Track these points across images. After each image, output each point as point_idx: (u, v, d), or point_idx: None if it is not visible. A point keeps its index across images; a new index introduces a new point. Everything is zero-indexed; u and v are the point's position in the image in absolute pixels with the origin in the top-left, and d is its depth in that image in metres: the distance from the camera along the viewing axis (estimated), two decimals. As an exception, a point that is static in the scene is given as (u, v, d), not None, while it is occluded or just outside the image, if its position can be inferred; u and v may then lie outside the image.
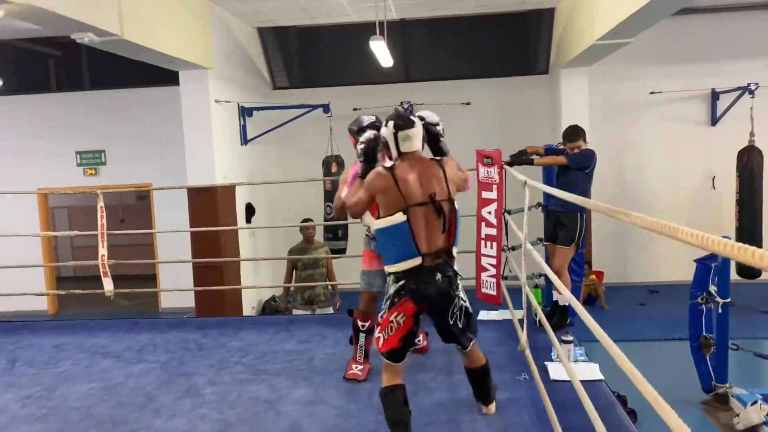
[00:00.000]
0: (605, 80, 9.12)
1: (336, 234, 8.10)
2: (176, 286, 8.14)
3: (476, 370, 3.11)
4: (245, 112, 8.35)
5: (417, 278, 2.81)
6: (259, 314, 8.50)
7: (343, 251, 8.02)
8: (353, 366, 3.75)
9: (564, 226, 4.53)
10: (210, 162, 7.36)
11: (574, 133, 4.61)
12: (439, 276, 2.82)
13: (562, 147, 4.78)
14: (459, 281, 2.94)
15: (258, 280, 8.58)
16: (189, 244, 7.24)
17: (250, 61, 9.08)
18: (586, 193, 4.47)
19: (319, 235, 8.00)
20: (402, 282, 2.83)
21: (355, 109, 9.37)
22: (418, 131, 2.99)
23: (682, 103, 9.38)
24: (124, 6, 5.32)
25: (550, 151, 4.85)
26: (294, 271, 6.12)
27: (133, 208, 12.14)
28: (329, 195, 8.04)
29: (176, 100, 7.40)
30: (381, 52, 7.26)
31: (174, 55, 6.31)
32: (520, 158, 4.58)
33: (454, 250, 2.91)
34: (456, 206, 2.95)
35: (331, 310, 6.13)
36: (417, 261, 2.80)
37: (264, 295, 8.97)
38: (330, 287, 6.22)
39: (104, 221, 5.32)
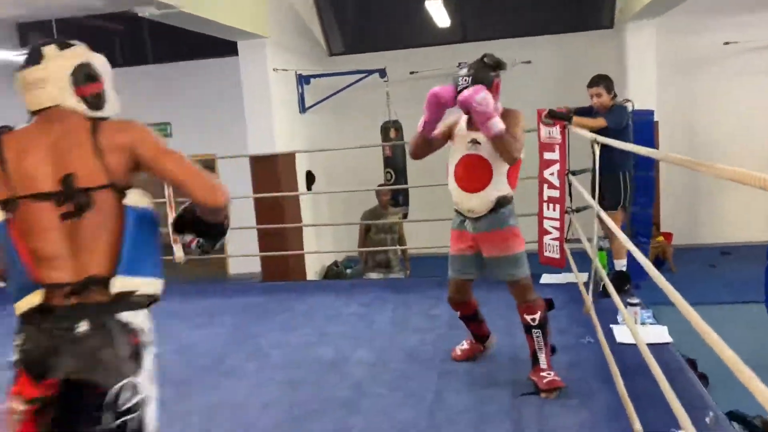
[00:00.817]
0: (674, 33, 8.62)
1: (397, 199, 8.11)
2: (243, 252, 8.39)
3: None
4: (303, 80, 8.39)
5: (33, 332, 1.66)
6: (321, 279, 8.67)
7: (404, 216, 8.04)
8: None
9: (607, 190, 4.32)
10: (270, 131, 7.47)
11: (594, 80, 4.39)
12: (81, 328, 1.63)
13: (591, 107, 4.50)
14: (144, 346, 1.72)
15: (320, 246, 8.72)
16: (253, 212, 7.43)
17: (306, 28, 9.07)
18: (628, 153, 4.25)
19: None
20: (18, 339, 1.67)
21: (411, 73, 9.27)
22: (53, 71, 1.75)
23: (761, 53, 8.78)
24: (182, -22, 5.39)
25: (581, 112, 4.57)
26: (367, 234, 6.22)
27: (199, 178, 12.48)
28: (388, 161, 8.04)
29: (236, 70, 7.50)
30: (437, 11, 7.12)
31: (231, 25, 6.38)
32: (559, 114, 4.40)
33: (127, 281, 1.69)
34: (135, 200, 1.77)
35: (401, 275, 6.20)
36: (35, 299, 1.64)
37: (326, 260, 9.13)
38: (400, 252, 6.29)
39: (171, 190, 5.50)
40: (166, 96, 9.86)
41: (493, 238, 2.98)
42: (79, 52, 1.92)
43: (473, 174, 2.96)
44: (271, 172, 7.38)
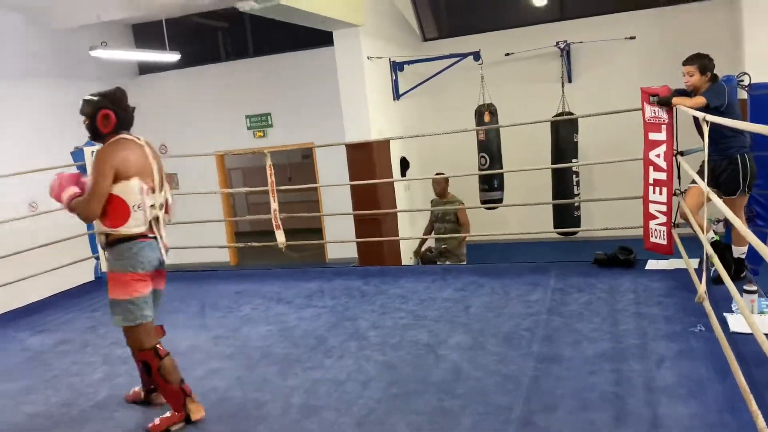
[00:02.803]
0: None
1: (491, 184, 8.01)
2: (340, 238, 8.60)
3: None
4: (396, 66, 8.44)
5: None
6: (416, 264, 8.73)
7: (499, 201, 7.93)
8: None
9: (722, 174, 4.01)
10: (365, 118, 7.59)
11: (689, 58, 4.05)
12: None
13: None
14: None
15: (415, 232, 8.77)
16: (350, 199, 7.59)
17: (399, 14, 9.10)
18: (740, 132, 3.92)
19: (474, 187, 8.00)
20: None
21: (507, 54, 9.08)
22: None
23: None
24: (280, -28, 5.56)
25: (680, 92, 4.24)
26: (434, 224, 6.47)
27: (299, 166, 12.91)
28: (483, 145, 7.94)
29: (332, 60, 7.67)
30: (533, -10, 6.90)
31: (328, 16, 6.51)
32: (665, 99, 4.13)
33: None
34: None
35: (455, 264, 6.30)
36: None
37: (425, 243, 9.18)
38: (458, 241, 6.38)
39: (273, 179, 5.73)
40: (267, 87, 10.24)
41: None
42: None
43: None
44: (366, 159, 7.50)
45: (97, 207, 2.77)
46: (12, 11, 8.16)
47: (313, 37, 7.97)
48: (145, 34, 10.31)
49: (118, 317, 2.85)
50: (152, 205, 2.86)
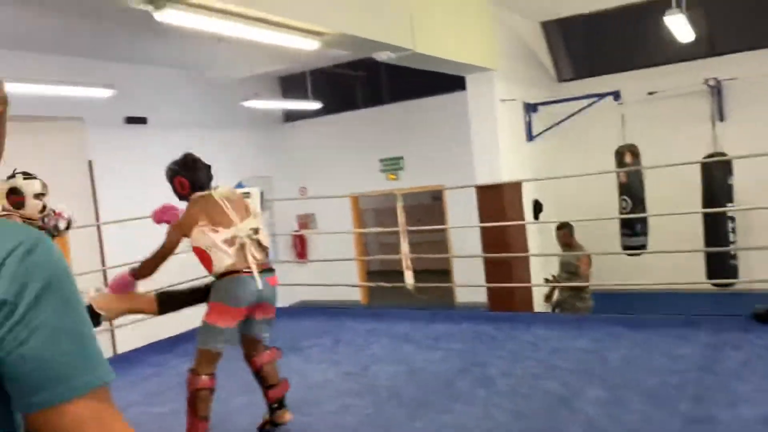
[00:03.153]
0: None
1: (634, 229, 7.56)
2: (469, 281, 8.51)
3: None
4: (530, 108, 8.34)
5: None
6: (549, 311, 8.39)
7: (642, 247, 7.46)
8: None
9: None
10: (496, 160, 7.53)
11: None
12: None
13: None
14: None
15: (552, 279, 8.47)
16: (479, 242, 7.52)
17: (533, 56, 9.04)
18: None
19: (614, 232, 7.61)
20: None
21: (649, 93, 8.66)
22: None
23: None
24: (416, 21, 5.77)
25: None
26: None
27: (429, 208, 13.04)
28: (624, 188, 7.56)
29: (463, 104, 7.75)
30: (679, 26, 6.56)
31: (462, 61, 6.62)
32: None
33: None
34: None
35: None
36: None
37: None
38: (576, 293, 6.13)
39: (404, 219, 5.84)
40: (400, 132, 10.55)
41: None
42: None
43: None
44: (496, 201, 7.41)
45: (159, 263, 3.25)
46: (175, 67, 9.16)
47: (445, 82, 8.13)
48: (290, 84, 11.10)
49: (199, 337, 3.19)
50: (232, 237, 3.13)
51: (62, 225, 3.15)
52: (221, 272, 3.10)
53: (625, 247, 7.48)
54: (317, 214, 11.21)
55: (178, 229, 3.20)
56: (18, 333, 0.75)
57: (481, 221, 7.41)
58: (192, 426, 3.11)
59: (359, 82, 11.35)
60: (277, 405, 3.30)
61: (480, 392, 3.62)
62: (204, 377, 3.11)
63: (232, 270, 3.09)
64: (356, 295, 10.90)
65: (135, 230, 5.62)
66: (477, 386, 3.72)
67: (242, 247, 3.14)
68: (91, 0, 5.31)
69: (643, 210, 7.38)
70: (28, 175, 3.14)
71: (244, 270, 3.11)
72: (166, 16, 3.50)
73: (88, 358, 0.80)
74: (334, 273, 8.39)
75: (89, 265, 7.33)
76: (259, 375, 3.32)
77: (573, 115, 8.55)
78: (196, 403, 3.10)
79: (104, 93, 6.09)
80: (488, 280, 7.27)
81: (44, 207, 3.16)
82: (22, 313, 0.75)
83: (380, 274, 12.62)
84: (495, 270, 7.22)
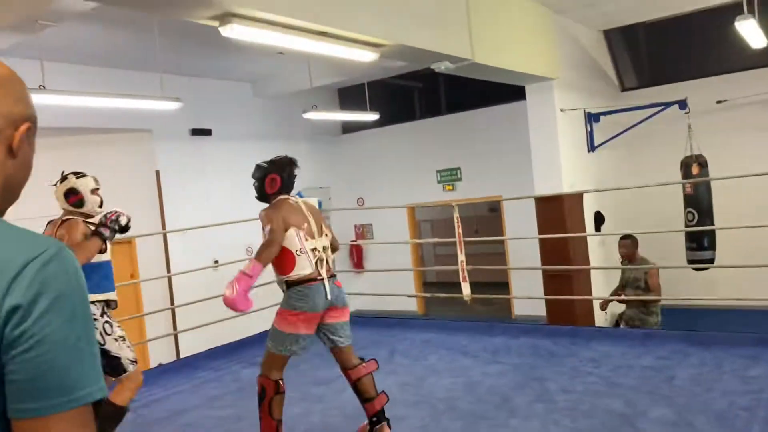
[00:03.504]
0: None
1: (701, 243, 7.26)
2: (527, 294, 8.36)
3: None
4: (592, 118, 8.15)
5: None
6: (612, 326, 8.14)
7: (709, 261, 7.15)
8: None
9: None
10: (557, 171, 7.39)
11: None
12: None
13: None
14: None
15: (611, 292, 8.23)
16: (538, 254, 7.37)
17: (595, 65, 8.85)
18: None
19: (678, 246, 7.33)
20: None
21: (718, 102, 8.34)
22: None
23: None
24: (474, 31, 5.75)
25: None
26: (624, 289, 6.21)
27: (486, 219, 12.91)
28: (690, 199, 7.27)
29: (522, 114, 7.65)
30: (750, 31, 6.29)
31: (522, 71, 6.55)
32: None
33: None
34: None
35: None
36: None
37: (618, 307, 8.56)
38: (646, 308, 5.90)
39: (460, 230, 5.80)
40: (457, 142, 10.51)
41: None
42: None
43: None
44: (556, 212, 7.26)
45: (275, 251, 3.18)
46: (238, 80, 9.45)
47: (504, 91, 8.05)
48: (348, 96, 11.24)
49: (271, 342, 3.24)
50: (314, 249, 3.23)
51: (123, 220, 3.22)
52: (298, 279, 3.18)
53: (691, 261, 7.19)
54: (374, 225, 11.28)
55: (281, 223, 3.19)
56: (26, 339, 0.77)
57: (540, 233, 7.28)
58: (269, 428, 3.19)
59: (417, 92, 11.38)
60: (376, 419, 3.31)
61: (538, 408, 3.55)
62: (279, 381, 3.21)
63: (309, 279, 3.18)
64: (412, 305, 10.88)
65: (196, 237, 5.77)
66: (535, 402, 3.64)
67: (320, 261, 3.24)
68: (161, 18, 5.54)
69: (711, 223, 7.08)
70: (79, 174, 3.23)
71: (317, 278, 3.20)
72: (232, 31, 3.62)
73: (80, 376, 0.81)
74: (390, 283, 8.41)
75: (156, 271, 7.63)
76: (356, 388, 3.34)
77: (637, 124, 8.31)
78: (272, 406, 3.18)
79: (172, 106, 6.32)
80: (547, 293, 7.13)
81: (102, 201, 3.29)
82: (33, 320, 0.78)
83: (436, 284, 12.57)
84: (554, 283, 7.07)
